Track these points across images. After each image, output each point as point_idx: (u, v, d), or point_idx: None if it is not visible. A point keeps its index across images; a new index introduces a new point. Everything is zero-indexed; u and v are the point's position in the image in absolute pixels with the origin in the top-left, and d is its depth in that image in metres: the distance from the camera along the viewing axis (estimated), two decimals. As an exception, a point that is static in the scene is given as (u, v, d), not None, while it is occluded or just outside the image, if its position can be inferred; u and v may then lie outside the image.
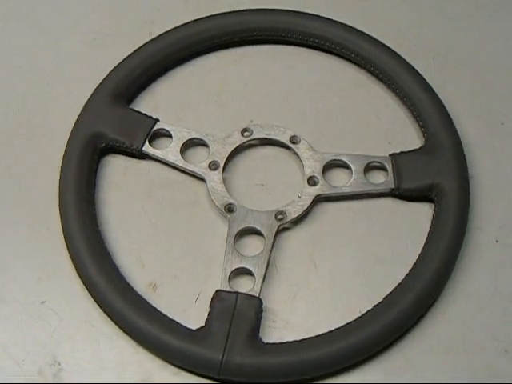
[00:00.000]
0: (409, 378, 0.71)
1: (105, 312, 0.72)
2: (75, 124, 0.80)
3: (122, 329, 0.71)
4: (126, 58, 0.83)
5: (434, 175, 0.76)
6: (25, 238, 0.77)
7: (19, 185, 0.80)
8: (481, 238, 0.77)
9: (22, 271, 0.76)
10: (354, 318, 0.70)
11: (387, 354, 0.71)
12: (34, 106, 0.85)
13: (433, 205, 0.77)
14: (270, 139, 0.81)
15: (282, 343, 0.69)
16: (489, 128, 0.83)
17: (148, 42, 0.84)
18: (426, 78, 0.83)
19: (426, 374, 0.71)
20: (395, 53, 0.83)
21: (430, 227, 0.75)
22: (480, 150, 0.81)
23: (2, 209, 0.79)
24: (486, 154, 0.81)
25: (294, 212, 0.76)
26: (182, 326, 0.70)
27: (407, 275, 0.72)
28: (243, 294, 0.71)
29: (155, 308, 0.71)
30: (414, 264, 0.73)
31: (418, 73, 0.82)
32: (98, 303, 0.72)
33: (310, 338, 0.69)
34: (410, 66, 0.83)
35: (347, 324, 0.70)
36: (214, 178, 0.78)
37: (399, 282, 0.72)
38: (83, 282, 0.73)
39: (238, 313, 0.70)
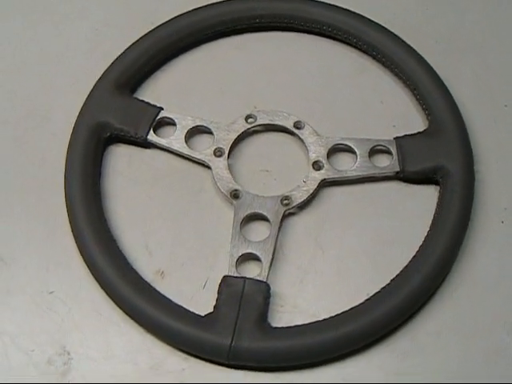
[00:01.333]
0: (417, 361, 0.71)
1: (113, 300, 0.72)
2: (79, 114, 0.80)
3: (130, 316, 0.72)
4: (128, 48, 0.83)
5: (438, 157, 0.76)
6: (32, 229, 0.78)
7: (25, 176, 0.80)
8: (486, 220, 0.77)
9: (30, 262, 0.76)
10: (362, 300, 0.70)
11: (395, 336, 0.72)
12: (37, 98, 0.85)
13: (438, 187, 0.77)
14: (274, 125, 0.81)
15: (290, 327, 0.70)
16: (493, 110, 0.83)
17: (150, 31, 0.84)
18: (428, 61, 0.82)
19: (433, 356, 0.71)
20: (398, 37, 0.83)
21: (436, 209, 0.76)
22: (484, 133, 0.81)
23: (8, 200, 0.79)
24: (490, 136, 0.81)
25: (299, 197, 0.76)
26: (190, 312, 0.71)
27: (414, 257, 0.72)
28: (251, 279, 0.72)
29: (163, 295, 0.72)
30: (421, 246, 0.73)
31: (421, 56, 0.82)
32: (106, 292, 0.72)
33: (318, 322, 0.70)
34: (413, 49, 0.82)
35: (355, 307, 0.70)
36: (219, 164, 0.78)
37: (406, 264, 0.72)
38: (91, 271, 0.73)
39: (245, 298, 0.70)
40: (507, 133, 0.82)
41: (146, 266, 0.75)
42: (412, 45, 0.84)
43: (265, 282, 0.72)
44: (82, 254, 0.74)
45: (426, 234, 0.74)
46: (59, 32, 0.90)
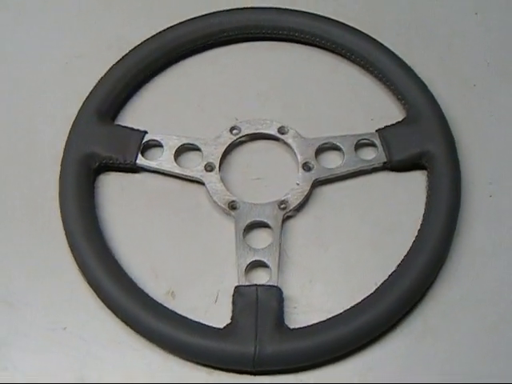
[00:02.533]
0: (431, 342, 0.73)
1: (130, 326, 0.72)
2: (65, 148, 0.80)
3: (149, 340, 0.72)
4: (104, 76, 0.83)
5: (421, 143, 0.79)
6: (33, 268, 0.77)
7: (17, 216, 0.80)
8: (475, 196, 0.80)
9: (37, 301, 0.75)
10: (372, 290, 0.72)
11: (407, 321, 0.74)
12: (18, 137, 0.84)
13: (425, 171, 0.80)
14: (258, 133, 0.82)
15: (308, 326, 0.71)
16: (463, 91, 0.86)
17: (122, 57, 0.85)
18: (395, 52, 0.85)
19: (445, 335, 0.73)
20: (363, 33, 0.86)
21: (427, 192, 0.78)
22: (458, 113, 0.84)
23: (4, 242, 0.78)
24: (464, 116, 0.84)
25: (295, 199, 0.78)
26: (208, 326, 0.71)
27: (415, 241, 0.75)
28: (262, 285, 0.73)
29: (178, 314, 0.72)
30: (419, 229, 0.76)
31: (389, 49, 0.85)
32: (121, 319, 0.73)
33: (334, 317, 0.71)
34: (380, 43, 0.85)
35: (367, 297, 0.72)
36: (212, 179, 0.79)
37: (408, 248, 0.75)
38: (103, 301, 0.73)
39: (261, 304, 0.71)
40: (480, 110, 0.86)
41: (156, 288, 0.75)
42: (376, 38, 0.86)
43: (276, 287, 0.73)
44: (90, 285, 0.74)
45: (421, 217, 0.77)
46: (29, 71, 0.89)
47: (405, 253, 0.75)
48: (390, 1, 0.94)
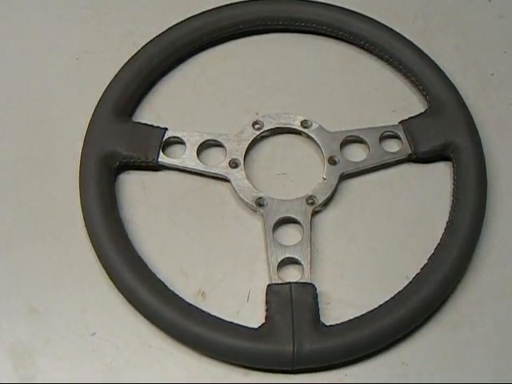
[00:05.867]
0: (466, 331, 0.73)
1: (162, 329, 0.71)
2: (84, 147, 0.77)
3: (183, 342, 0.71)
4: (119, 72, 0.81)
5: (446, 134, 0.79)
6: (59, 274, 0.75)
7: (38, 222, 0.77)
8: (500, 186, 0.80)
9: (64, 307, 0.73)
10: (403, 283, 0.72)
11: (440, 313, 0.74)
12: (34, 138, 0.82)
13: (449, 162, 0.80)
14: (282, 128, 0.81)
15: (345, 322, 0.71)
16: (481, 80, 0.87)
17: (138, 51, 0.82)
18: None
19: (480, 324, 0.74)
20: (381, 23, 0.85)
21: (453, 183, 0.78)
22: (476, 103, 0.84)
23: (29, 249, 0.76)
24: (483, 105, 0.85)
25: (323, 194, 0.77)
26: (243, 326, 0.70)
27: (445, 233, 0.75)
28: (296, 283, 0.72)
29: (212, 315, 0.71)
30: (448, 221, 0.76)
31: (407, 39, 0.84)
32: (152, 322, 0.71)
33: (370, 312, 0.71)
34: (398, 33, 0.85)
35: (402, 291, 0.71)
36: (238, 175, 0.78)
37: (436, 239, 0.75)
38: (133, 304, 0.71)
39: (296, 302, 0.71)
40: (498, 100, 0.86)
41: (186, 289, 0.74)
42: (392, 28, 0.86)
43: (310, 283, 0.72)
44: (119, 289, 0.72)
45: (448, 208, 0.77)
46: (40, 68, 0.86)
47: (433, 244, 0.75)
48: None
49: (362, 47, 0.87)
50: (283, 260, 0.74)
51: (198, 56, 0.87)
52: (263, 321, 0.71)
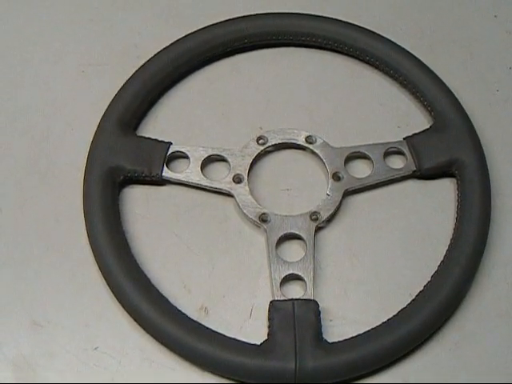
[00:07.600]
0: (468, 349, 0.73)
1: (165, 345, 0.71)
2: (88, 161, 0.77)
3: (185, 358, 0.70)
4: (124, 86, 0.81)
5: (450, 150, 0.79)
6: (61, 288, 0.75)
7: (41, 236, 0.77)
8: (504, 203, 0.80)
9: (67, 321, 0.73)
10: (406, 300, 0.72)
11: (443, 330, 0.73)
12: (38, 151, 0.82)
13: (453, 179, 0.80)
14: (286, 143, 0.81)
15: (347, 339, 0.70)
16: (486, 96, 0.86)
17: (142, 66, 0.83)
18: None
19: (483, 341, 0.73)
20: (387, 39, 0.85)
21: (458, 200, 0.78)
22: (483, 119, 0.84)
23: (31, 263, 0.76)
24: (488, 122, 0.84)
25: (327, 210, 0.77)
26: (245, 343, 0.70)
27: (449, 250, 0.75)
28: (298, 299, 0.72)
29: (214, 330, 0.71)
30: (453, 238, 0.75)
31: (413, 55, 0.84)
32: (155, 337, 0.71)
33: (373, 329, 0.71)
34: (404, 49, 0.84)
35: (405, 308, 0.71)
36: (241, 191, 0.78)
37: (440, 256, 0.74)
38: (135, 319, 0.71)
39: (298, 319, 0.70)
40: (504, 115, 0.85)
41: (188, 304, 0.73)
42: (398, 44, 0.85)
43: (313, 300, 0.72)
44: (121, 304, 0.72)
45: (452, 225, 0.77)
46: (44, 81, 0.86)
47: (437, 261, 0.75)
48: (410, 7, 0.93)
49: (367, 62, 0.87)
50: (286, 276, 0.74)
51: (202, 70, 0.87)
52: (266, 337, 0.71)
